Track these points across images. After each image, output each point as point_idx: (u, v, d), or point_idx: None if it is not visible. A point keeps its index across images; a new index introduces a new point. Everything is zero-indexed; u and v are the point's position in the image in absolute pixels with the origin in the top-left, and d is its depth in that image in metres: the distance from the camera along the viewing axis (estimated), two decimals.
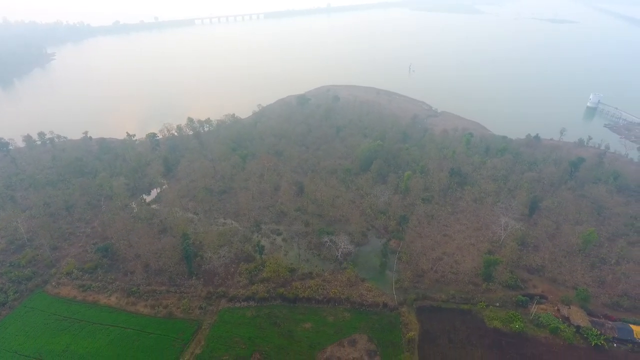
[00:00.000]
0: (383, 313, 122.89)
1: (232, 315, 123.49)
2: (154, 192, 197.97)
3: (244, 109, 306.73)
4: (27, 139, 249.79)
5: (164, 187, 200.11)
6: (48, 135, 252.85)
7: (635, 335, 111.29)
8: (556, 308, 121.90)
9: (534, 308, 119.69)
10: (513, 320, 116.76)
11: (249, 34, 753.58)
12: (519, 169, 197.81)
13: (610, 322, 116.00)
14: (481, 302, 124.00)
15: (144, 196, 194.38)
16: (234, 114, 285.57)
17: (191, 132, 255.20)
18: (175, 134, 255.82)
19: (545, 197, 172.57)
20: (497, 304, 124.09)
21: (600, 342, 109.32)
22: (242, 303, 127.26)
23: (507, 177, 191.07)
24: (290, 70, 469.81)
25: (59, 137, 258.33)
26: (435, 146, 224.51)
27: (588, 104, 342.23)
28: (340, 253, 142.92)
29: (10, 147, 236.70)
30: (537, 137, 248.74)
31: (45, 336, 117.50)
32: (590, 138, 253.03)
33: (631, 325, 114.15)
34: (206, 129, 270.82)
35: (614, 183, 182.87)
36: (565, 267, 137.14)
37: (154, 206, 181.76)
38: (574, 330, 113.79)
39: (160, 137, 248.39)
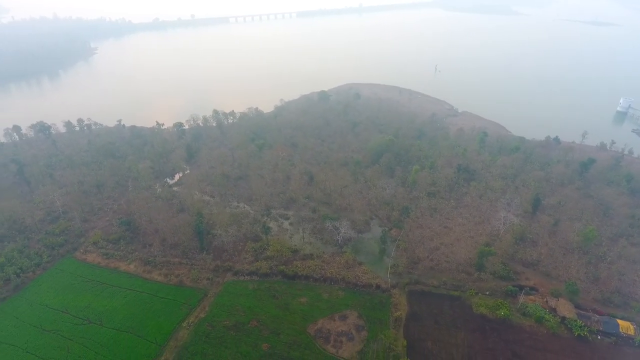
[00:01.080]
0: (375, 294, 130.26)
1: (235, 287, 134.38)
2: (177, 176, 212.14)
3: (269, 104, 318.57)
4: (68, 124, 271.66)
5: (185, 171, 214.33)
6: (86, 122, 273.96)
7: (620, 330, 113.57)
8: (545, 300, 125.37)
9: (522, 298, 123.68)
10: (499, 307, 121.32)
11: (280, 32, 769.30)
12: (530, 169, 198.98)
13: (598, 316, 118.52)
14: (471, 289, 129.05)
15: (168, 179, 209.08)
16: (257, 108, 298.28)
17: (214, 124, 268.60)
18: (201, 124, 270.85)
19: (550, 196, 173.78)
20: (487, 293, 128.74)
21: (584, 333, 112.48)
22: (246, 277, 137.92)
23: (516, 176, 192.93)
24: (317, 68, 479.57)
25: (95, 123, 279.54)
26: (448, 144, 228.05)
27: (618, 109, 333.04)
28: (340, 238, 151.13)
29: (52, 131, 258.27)
30: (556, 139, 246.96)
31: (71, 294, 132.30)
32: (613, 142, 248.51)
33: (618, 320, 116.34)
34: (230, 120, 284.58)
35: (627, 185, 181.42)
36: (560, 263, 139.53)
37: (175, 188, 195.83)
38: (559, 320, 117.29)
39: (187, 127, 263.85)
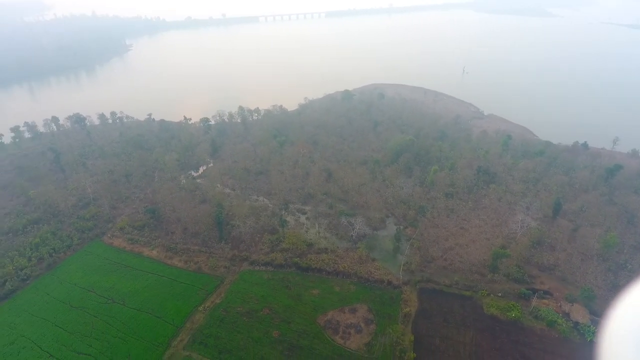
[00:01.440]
0: (386, 289, 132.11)
1: (250, 276, 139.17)
2: (201, 169, 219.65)
3: (294, 102, 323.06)
4: (101, 117, 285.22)
5: (209, 165, 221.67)
6: (118, 115, 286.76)
7: None
8: (558, 304, 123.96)
9: (534, 301, 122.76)
10: (511, 309, 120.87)
11: (308, 32, 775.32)
12: (553, 173, 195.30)
13: None
14: (483, 290, 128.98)
15: (192, 172, 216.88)
16: (281, 105, 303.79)
17: (239, 120, 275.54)
18: (226, 120, 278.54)
19: (572, 201, 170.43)
20: (499, 294, 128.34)
21: (595, 339, 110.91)
22: (261, 267, 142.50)
23: (538, 180, 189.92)
24: (343, 68, 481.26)
25: (127, 117, 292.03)
26: (470, 146, 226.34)
27: None
28: (355, 233, 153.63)
29: (87, 123, 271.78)
30: (584, 144, 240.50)
31: (98, 275, 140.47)
32: None
33: None
34: (255, 117, 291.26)
35: None
36: (578, 269, 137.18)
37: (198, 180, 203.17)
38: (572, 325, 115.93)
39: (212, 122, 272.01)
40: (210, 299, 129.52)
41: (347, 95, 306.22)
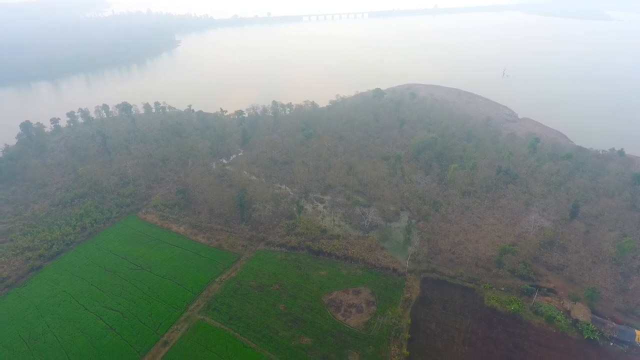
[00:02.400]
0: (391, 276, 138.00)
1: (265, 255, 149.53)
2: (231, 157, 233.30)
3: (328, 99, 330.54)
4: (146, 106, 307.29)
5: (239, 154, 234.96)
6: (161, 105, 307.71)
7: (637, 340, 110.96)
8: (561, 302, 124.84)
9: (536, 296, 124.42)
10: (511, 303, 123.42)
11: (350, 32, 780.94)
12: (578, 177, 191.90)
13: (614, 324, 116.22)
14: (486, 284, 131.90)
15: (223, 159, 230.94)
16: (313, 101, 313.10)
17: (271, 113, 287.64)
18: (259, 113, 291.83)
19: (593, 205, 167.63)
20: (502, 289, 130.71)
21: (594, 337, 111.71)
22: (276, 248, 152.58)
23: (561, 183, 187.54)
24: (381, 67, 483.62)
25: (169, 107, 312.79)
26: (496, 147, 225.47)
27: None
28: (367, 223, 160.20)
29: (133, 111, 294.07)
30: (621, 151, 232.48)
31: (131, 245, 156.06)
32: None
33: (637, 331, 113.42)
34: (287, 111, 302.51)
35: None
36: (588, 270, 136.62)
37: (227, 167, 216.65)
38: (570, 322, 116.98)
39: (246, 115, 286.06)
40: (226, 272, 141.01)
41: (378, 93, 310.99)
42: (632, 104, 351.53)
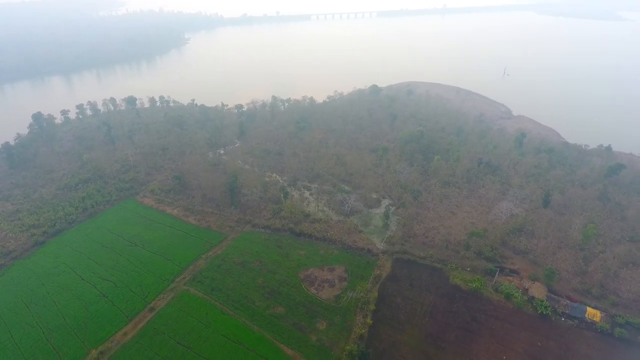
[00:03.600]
0: (365, 256, 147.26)
1: (250, 235, 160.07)
2: (229, 148, 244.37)
3: (326, 95, 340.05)
4: (151, 100, 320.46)
5: (236, 144, 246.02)
6: (166, 99, 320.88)
7: (586, 315, 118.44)
8: (522, 282, 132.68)
9: (497, 276, 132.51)
10: (474, 281, 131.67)
11: (358, 31, 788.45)
12: (558, 169, 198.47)
13: (568, 301, 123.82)
14: (453, 264, 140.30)
15: (221, 150, 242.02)
16: (311, 97, 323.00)
17: (268, 108, 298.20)
18: (257, 107, 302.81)
19: (567, 195, 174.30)
20: (468, 269, 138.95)
21: (546, 312, 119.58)
22: (261, 229, 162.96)
23: (541, 175, 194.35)
24: (385, 65, 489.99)
25: (174, 101, 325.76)
26: (484, 141, 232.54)
27: None
28: (348, 208, 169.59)
29: (138, 104, 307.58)
30: (608, 147, 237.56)
31: (127, 225, 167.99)
32: None
33: (588, 308, 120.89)
34: (285, 106, 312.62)
35: None
36: (552, 254, 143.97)
37: (224, 157, 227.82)
38: (527, 299, 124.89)
39: (246, 108, 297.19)
40: (213, 250, 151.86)
41: (374, 89, 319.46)
42: (628, 104, 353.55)
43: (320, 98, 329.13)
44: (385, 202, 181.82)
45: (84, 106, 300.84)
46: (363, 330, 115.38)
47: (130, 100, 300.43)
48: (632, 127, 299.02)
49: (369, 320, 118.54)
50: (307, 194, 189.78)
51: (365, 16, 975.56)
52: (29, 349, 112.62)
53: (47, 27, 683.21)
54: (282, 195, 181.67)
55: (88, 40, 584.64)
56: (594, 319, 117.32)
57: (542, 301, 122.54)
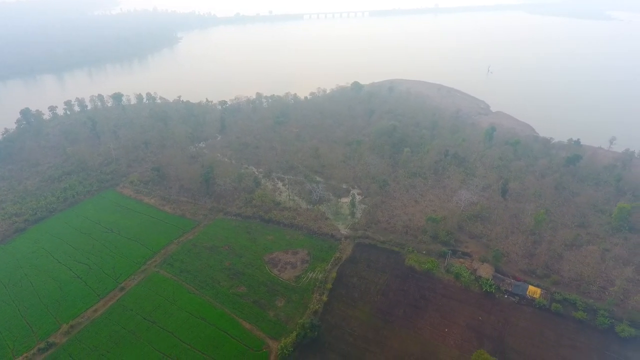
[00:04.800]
0: (329, 241, 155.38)
1: (221, 222, 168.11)
2: (209, 142, 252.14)
3: (310, 91, 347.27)
4: (138, 97, 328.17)
5: (217, 138, 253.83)
6: (152, 95, 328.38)
7: (527, 293, 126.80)
8: (472, 263, 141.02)
9: (448, 257, 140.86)
10: (427, 263, 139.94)
11: (350, 31, 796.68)
12: (524, 161, 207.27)
13: (513, 280, 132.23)
14: (410, 247, 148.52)
15: (202, 143, 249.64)
16: (295, 93, 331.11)
17: (250, 104, 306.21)
18: (241, 103, 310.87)
19: (525, 184, 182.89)
20: (424, 252, 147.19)
21: (491, 290, 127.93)
22: (232, 217, 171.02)
23: (505, 166, 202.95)
24: (373, 64, 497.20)
25: (161, 98, 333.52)
26: (456, 135, 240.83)
27: None
28: (317, 197, 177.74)
29: (125, 101, 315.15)
30: (577, 141, 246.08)
31: (105, 213, 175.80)
32: None
33: (530, 286, 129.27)
34: (270, 101, 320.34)
35: (616, 184, 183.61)
36: (505, 238, 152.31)
37: (204, 150, 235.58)
38: (474, 279, 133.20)
39: (230, 104, 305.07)
40: (185, 235, 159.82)
41: (356, 86, 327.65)
42: (606, 102, 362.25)
43: (305, 95, 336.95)
44: (355, 191, 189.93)
45: (72, 102, 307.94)
46: (318, 306, 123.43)
47: (116, 97, 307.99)
48: (607, 123, 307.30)
49: (324, 298, 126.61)
50: (280, 184, 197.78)
51: (358, 15, 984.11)
52: (4, 323, 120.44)
53: (42, 27, 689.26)
54: (254, 184, 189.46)
55: (81, 39, 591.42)
56: (534, 295, 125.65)
57: (487, 280, 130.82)
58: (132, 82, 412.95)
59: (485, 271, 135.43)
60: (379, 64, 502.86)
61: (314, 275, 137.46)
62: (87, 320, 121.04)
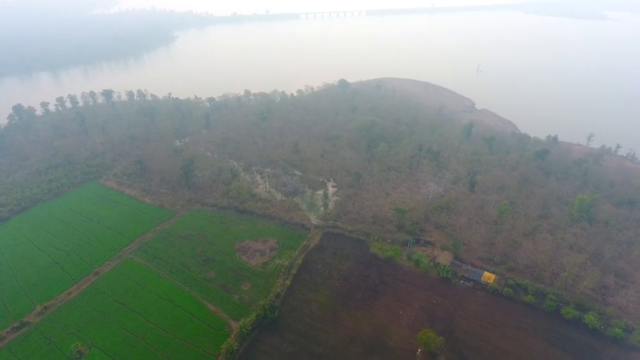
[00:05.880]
0: (299, 230, 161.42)
1: (198, 213, 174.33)
2: (194, 137, 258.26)
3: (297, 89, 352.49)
4: (129, 93, 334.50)
5: (202, 134, 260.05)
6: (143, 92, 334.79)
7: (482, 279, 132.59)
8: (433, 251, 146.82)
9: (410, 245, 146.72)
10: (390, 250, 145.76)
11: (346, 31, 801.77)
12: (497, 155, 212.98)
13: (470, 267, 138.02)
14: (375, 236, 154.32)
15: (186, 138, 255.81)
16: (283, 91, 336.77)
17: (236, 101, 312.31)
18: (229, 99, 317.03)
19: (493, 177, 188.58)
20: (389, 241, 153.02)
21: (447, 275, 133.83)
22: (209, 208, 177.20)
23: (477, 160, 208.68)
24: (365, 62, 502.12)
25: (152, 95, 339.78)
26: (433, 131, 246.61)
27: None
28: (291, 189, 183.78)
29: (116, 97, 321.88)
30: (555, 138, 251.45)
31: (87, 204, 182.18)
32: (619, 146, 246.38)
33: (486, 272, 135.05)
34: (260, 99, 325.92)
35: (583, 178, 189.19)
36: (468, 228, 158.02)
37: (189, 145, 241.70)
38: (433, 265, 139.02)
39: (217, 100, 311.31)
40: (161, 225, 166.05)
41: (342, 83, 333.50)
42: (599, 101, 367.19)
43: (294, 92, 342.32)
44: (330, 184, 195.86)
45: (64, 99, 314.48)
46: (280, 290, 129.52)
47: (107, 94, 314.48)
48: (592, 122, 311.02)
49: (287, 282, 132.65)
50: (258, 177, 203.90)
51: (355, 15, 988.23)
52: None
53: (40, 26, 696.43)
54: (231, 177, 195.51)
55: (78, 38, 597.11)
56: (488, 281, 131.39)
57: (445, 266, 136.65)
58: (126, 80, 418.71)
59: (445, 258, 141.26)
60: (372, 63, 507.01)
61: (281, 261, 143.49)
62: (60, 302, 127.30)
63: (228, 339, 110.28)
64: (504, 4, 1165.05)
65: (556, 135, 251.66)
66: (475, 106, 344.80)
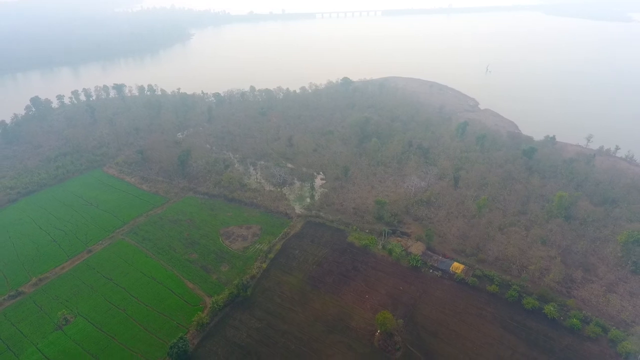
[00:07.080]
0: (282, 218, 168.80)
1: (189, 200, 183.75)
2: (196, 130, 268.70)
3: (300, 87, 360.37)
4: (140, 88, 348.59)
5: (205, 127, 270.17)
6: (153, 87, 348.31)
7: (451, 269, 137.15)
8: (408, 241, 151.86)
9: (384, 236, 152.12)
10: (366, 239, 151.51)
11: (361, 32, 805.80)
12: (487, 154, 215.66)
13: (440, 257, 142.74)
14: (354, 226, 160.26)
15: (187, 130, 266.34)
16: (287, 88, 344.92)
17: (241, 97, 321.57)
18: (235, 95, 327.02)
19: (478, 173, 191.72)
20: (367, 231, 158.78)
21: (417, 264, 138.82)
22: (200, 195, 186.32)
23: (466, 158, 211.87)
24: (375, 62, 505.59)
25: (162, 90, 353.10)
26: (428, 129, 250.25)
27: None
28: (280, 180, 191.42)
29: (127, 92, 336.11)
30: (552, 138, 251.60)
31: (89, 189, 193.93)
32: (617, 148, 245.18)
33: (456, 263, 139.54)
34: (263, 94, 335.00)
35: (569, 176, 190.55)
36: (446, 221, 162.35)
37: (190, 137, 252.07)
38: (405, 254, 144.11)
39: (223, 95, 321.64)
40: (154, 210, 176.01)
41: (345, 81, 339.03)
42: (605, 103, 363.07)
43: (297, 90, 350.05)
44: (319, 177, 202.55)
45: (79, 92, 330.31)
46: (256, 272, 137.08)
47: (118, 88, 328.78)
48: (595, 125, 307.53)
49: (264, 265, 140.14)
50: (251, 169, 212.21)
51: (370, 15, 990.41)
52: None
53: (61, 23, 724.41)
54: (223, 167, 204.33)
55: (98, 35, 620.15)
56: (457, 271, 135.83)
57: (416, 256, 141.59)
58: (140, 75, 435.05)
59: (417, 248, 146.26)
60: (381, 63, 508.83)
61: (261, 246, 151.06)
62: (54, 275, 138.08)
63: (199, 313, 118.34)
64: (524, 4, 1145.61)
65: (554, 136, 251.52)
66: (479, 106, 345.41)
